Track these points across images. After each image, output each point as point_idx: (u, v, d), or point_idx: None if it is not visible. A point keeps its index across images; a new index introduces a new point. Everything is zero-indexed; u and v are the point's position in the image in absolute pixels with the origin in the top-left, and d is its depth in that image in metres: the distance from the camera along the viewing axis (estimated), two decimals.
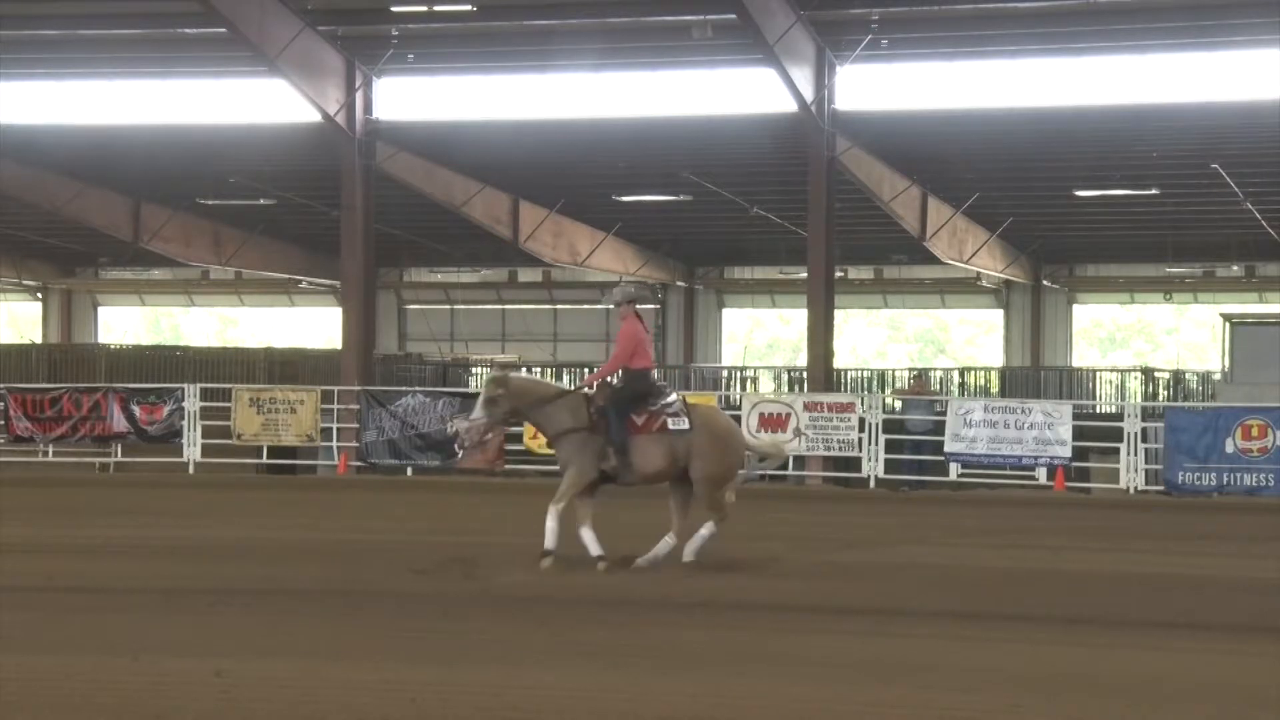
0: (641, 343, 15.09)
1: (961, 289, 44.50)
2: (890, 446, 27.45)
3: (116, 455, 29.96)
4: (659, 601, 13.00)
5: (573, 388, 15.48)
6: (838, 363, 35.85)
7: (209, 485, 27.08)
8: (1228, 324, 34.34)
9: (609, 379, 15.27)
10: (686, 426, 14.72)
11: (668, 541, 14.84)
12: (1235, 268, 41.92)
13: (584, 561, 14.81)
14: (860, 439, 27.24)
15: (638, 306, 15.27)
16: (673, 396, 15.13)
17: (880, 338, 51.19)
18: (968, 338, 50.22)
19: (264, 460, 29.96)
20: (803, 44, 29.07)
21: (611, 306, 15.29)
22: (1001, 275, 41.78)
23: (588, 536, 14.63)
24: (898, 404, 29.69)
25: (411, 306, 48.07)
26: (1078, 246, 42.03)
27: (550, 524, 14.47)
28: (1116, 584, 14.77)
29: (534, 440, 28.08)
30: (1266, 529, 20.57)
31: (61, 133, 34.61)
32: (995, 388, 38.21)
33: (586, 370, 41.42)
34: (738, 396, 32.49)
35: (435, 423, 28.45)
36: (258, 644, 10.77)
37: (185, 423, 29.19)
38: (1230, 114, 29.79)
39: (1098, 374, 39.68)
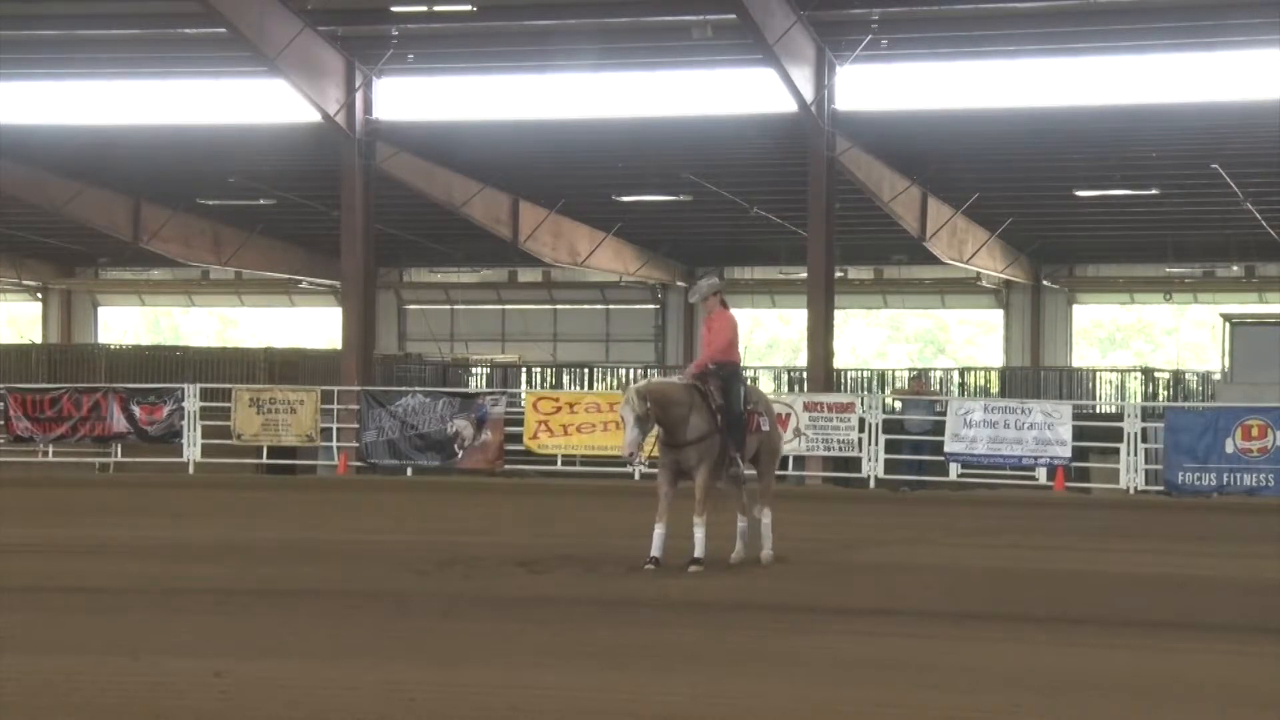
0: (737, 334, 15.31)
1: (961, 289, 44.50)
2: (890, 446, 27.42)
3: (116, 455, 29.93)
4: (659, 601, 13.00)
5: (680, 380, 15.20)
6: (838, 363, 35.87)
7: (209, 485, 27.06)
8: (1228, 324, 34.37)
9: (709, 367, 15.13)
10: (769, 427, 15.41)
11: (742, 525, 15.33)
12: (1235, 268, 41.92)
13: (583, 562, 14.83)
14: (860, 439, 27.22)
15: (723, 297, 15.34)
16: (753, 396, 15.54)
17: (880, 338, 51.24)
18: (968, 338, 50.27)
19: (264, 460, 29.93)
20: (803, 44, 29.06)
21: (697, 300, 15.27)
22: (1001, 275, 41.78)
23: (661, 532, 14.62)
24: (898, 404, 29.66)
25: (411, 306, 48.08)
26: (1078, 246, 42.02)
27: (699, 534, 14.59)
28: (1116, 584, 14.76)
29: (533, 441, 28.09)
30: (1266, 529, 20.53)
31: (61, 133, 34.59)
32: (995, 388, 38.24)
33: (586, 370, 41.61)
34: None
35: (435, 423, 28.44)
36: (258, 644, 10.77)
37: (185, 423, 29.16)
38: (1230, 114, 29.77)
39: (1098, 374, 39.74)
